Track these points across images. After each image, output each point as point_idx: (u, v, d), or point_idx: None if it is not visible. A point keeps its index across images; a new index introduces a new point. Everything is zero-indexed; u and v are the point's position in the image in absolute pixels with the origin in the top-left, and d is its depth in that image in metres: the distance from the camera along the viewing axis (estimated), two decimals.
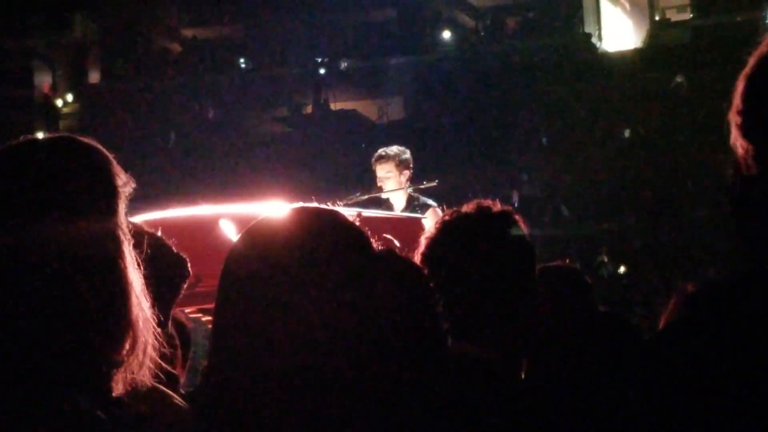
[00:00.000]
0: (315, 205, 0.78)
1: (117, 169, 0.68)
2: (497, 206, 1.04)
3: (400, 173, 3.11)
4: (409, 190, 3.14)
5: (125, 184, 0.68)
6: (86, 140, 0.69)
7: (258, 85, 12.46)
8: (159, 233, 1.09)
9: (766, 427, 0.60)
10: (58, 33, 12.98)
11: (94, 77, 13.59)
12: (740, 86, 0.64)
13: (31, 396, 0.61)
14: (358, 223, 0.74)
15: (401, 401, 0.71)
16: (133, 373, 0.66)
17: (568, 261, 1.51)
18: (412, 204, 3.12)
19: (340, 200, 2.50)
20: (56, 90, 13.27)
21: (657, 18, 12.27)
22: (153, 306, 0.69)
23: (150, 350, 0.67)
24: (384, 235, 0.86)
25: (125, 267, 0.66)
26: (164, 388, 0.79)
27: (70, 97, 13.29)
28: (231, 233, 1.85)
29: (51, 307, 0.62)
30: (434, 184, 3.14)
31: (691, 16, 11.84)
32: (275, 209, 0.77)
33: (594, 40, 12.16)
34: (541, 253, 1.09)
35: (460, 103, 10.96)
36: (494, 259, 1.01)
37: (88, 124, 11.43)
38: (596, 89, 10.64)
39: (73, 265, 0.63)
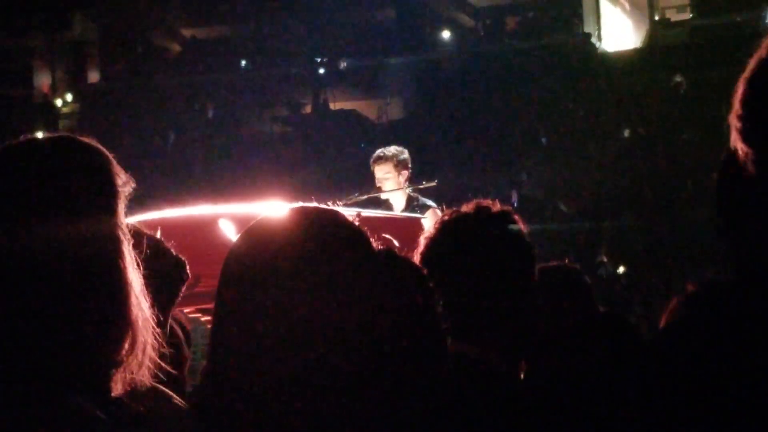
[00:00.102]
0: (315, 204, 0.78)
1: (117, 168, 0.68)
2: (497, 206, 1.04)
3: (399, 173, 3.12)
4: (409, 190, 3.14)
5: (125, 183, 0.68)
6: (86, 140, 0.69)
7: (257, 85, 12.45)
8: (158, 234, 1.09)
9: (766, 427, 0.60)
10: (58, 33, 12.97)
11: (93, 77, 13.58)
12: (740, 90, 0.64)
13: (31, 396, 0.61)
14: (357, 223, 0.74)
15: (401, 401, 0.71)
16: (132, 373, 0.66)
17: (567, 261, 1.51)
18: (411, 204, 3.12)
19: (339, 200, 2.50)
20: (55, 90, 13.26)
21: (656, 18, 12.28)
22: (152, 306, 0.69)
23: (149, 350, 0.67)
24: (383, 235, 0.86)
25: (125, 267, 0.66)
26: (164, 388, 0.79)
27: (69, 97, 13.28)
28: (230, 233, 1.85)
29: (50, 307, 0.62)
30: (433, 184, 3.14)
31: (691, 16, 11.85)
32: (274, 209, 0.77)
33: (594, 40, 12.16)
34: (540, 253, 1.09)
35: (459, 103, 10.96)
36: (494, 259, 1.01)
37: (87, 124, 11.42)
38: (596, 89, 10.63)
39: (73, 264, 0.63)
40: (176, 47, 13.91)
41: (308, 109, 12.75)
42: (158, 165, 10.15)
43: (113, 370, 0.65)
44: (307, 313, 0.68)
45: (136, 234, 0.71)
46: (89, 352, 0.63)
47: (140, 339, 0.66)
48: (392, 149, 3.16)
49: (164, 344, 0.71)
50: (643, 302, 6.73)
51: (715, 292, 0.69)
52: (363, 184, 3.37)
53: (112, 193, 0.67)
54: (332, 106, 12.55)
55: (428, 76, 11.69)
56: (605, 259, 7.94)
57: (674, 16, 12.30)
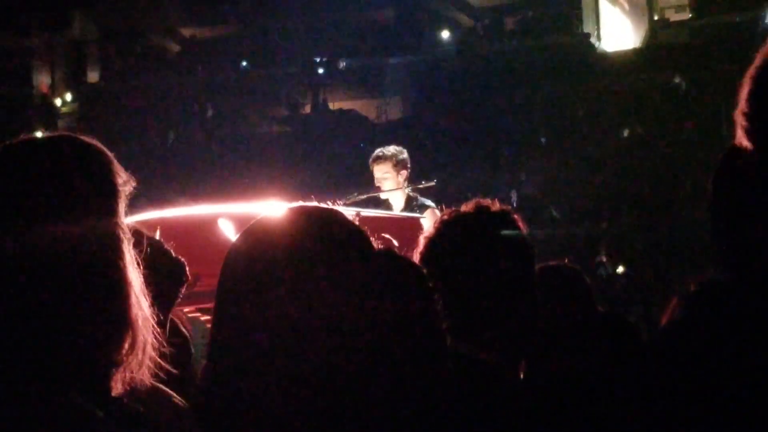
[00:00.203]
0: (315, 204, 0.78)
1: (117, 167, 0.68)
2: (496, 205, 1.04)
3: (398, 173, 3.12)
4: (408, 190, 3.14)
5: (125, 183, 0.68)
6: (86, 139, 0.69)
7: (256, 85, 12.45)
8: (158, 235, 1.09)
9: (766, 427, 0.60)
10: (57, 32, 12.95)
11: (92, 76, 13.56)
12: (746, 88, 0.63)
13: (30, 395, 0.61)
14: (357, 223, 0.74)
15: (401, 401, 0.71)
16: (132, 373, 0.66)
17: (567, 261, 1.50)
18: (410, 204, 3.12)
19: (339, 200, 2.50)
20: (55, 89, 13.24)
21: (656, 18, 12.27)
22: (152, 305, 0.68)
23: (149, 349, 0.67)
24: (383, 234, 0.86)
25: (125, 266, 0.66)
26: (164, 387, 0.79)
27: (68, 97, 13.26)
28: (229, 233, 1.85)
29: (50, 306, 0.62)
30: (433, 183, 3.14)
31: (690, 16, 11.84)
32: (273, 209, 0.77)
33: (593, 39, 12.16)
34: (539, 253, 1.09)
35: (458, 102, 10.96)
36: (493, 258, 1.01)
37: (86, 124, 11.40)
38: (595, 89, 10.63)
39: (72, 264, 0.63)
40: (175, 47, 13.90)
41: (307, 108, 12.75)
42: (157, 165, 10.14)
43: (113, 370, 0.65)
44: (307, 313, 0.68)
45: (136, 234, 0.70)
46: (89, 351, 0.63)
47: (140, 338, 0.66)
48: (391, 149, 3.16)
49: (165, 344, 0.70)
50: (643, 302, 6.73)
51: (715, 292, 0.69)
52: (362, 183, 3.37)
53: (112, 193, 0.67)
54: (331, 105, 12.55)
55: (427, 76, 11.69)
56: (604, 259, 7.94)
57: (673, 16, 12.30)
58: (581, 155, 9.76)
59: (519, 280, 1.02)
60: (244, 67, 12.99)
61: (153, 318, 0.68)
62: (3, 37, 12.26)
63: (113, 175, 0.67)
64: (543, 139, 10.38)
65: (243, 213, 1.95)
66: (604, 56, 11.86)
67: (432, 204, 3.10)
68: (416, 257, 1.02)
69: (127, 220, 0.69)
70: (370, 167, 3.17)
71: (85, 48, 13.45)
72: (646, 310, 6.26)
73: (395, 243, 1.44)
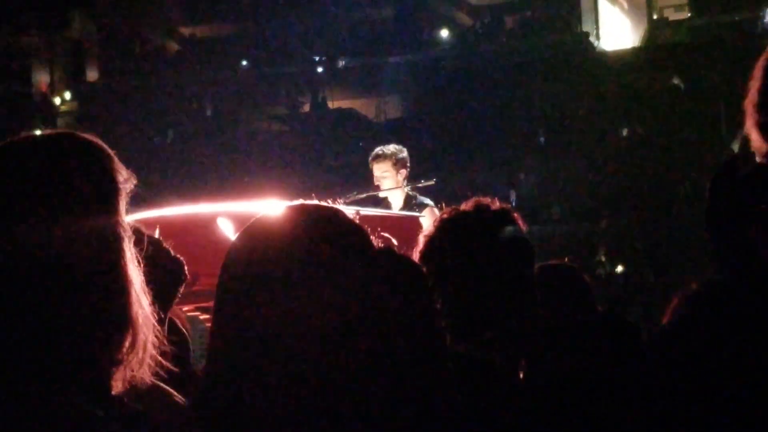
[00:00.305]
0: (315, 202, 0.78)
1: (118, 165, 0.68)
2: (496, 204, 1.04)
3: (397, 172, 3.12)
4: (407, 188, 3.14)
5: (126, 180, 0.68)
6: (87, 136, 0.68)
7: (256, 84, 12.43)
8: (157, 234, 1.09)
9: (765, 426, 0.60)
10: (56, 31, 12.93)
11: (92, 75, 13.54)
12: (757, 79, 0.63)
13: (31, 394, 0.61)
14: (357, 221, 0.74)
15: (400, 400, 0.71)
16: (132, 371, 0.66)
17: (567, 260, 1.50)
18: (409, 203, 3.12)
19: (338, 198, 2.49)
20: (54, 88, 13.21)
21: (655, 17, 12.27)
22: (153, 303, 0.68)
23: (150, 348, 0.67)
24: (382, 233, 0.85)
25: (125, 264, 0.65)
26: (165, 386, 0.79)
27: (67, 95, 13.24)
28: (229, 231, 1.85)
29: (50, 305, 0.62)
30: (432, 182, 3.14)
31: (689, 15, 11.84)
32: (273, 207, 0.77)
33: (592, 39, 12.15)
34: (538, 252, 1.09)
35: (457, 101, 10.95)
36: (493, 257, 1.00)
37: (85, 123, 11.38)
38: (594, 88, 10.62)
39: (73, 262, 0.63)
40: (175, 46, 13.88)
41: (307, 107, 12.73)
42: (157, 163, 10.12)
43: (114, 368, 0.65)
44: (307, 312, 0.68)
45: (137, 232, 0.70)
46: (89, 350, 0.63)
47: (141, 337, 0.66)
48: (391, 148, 3.16)
49: (165, 342, 0.70)
50: (641, 301, 6.73)
51: (715, 292, 0.69)
52: (361, 182, 3.37)
53: (113, 190, 0.67)
54: (330, 104, 12.54)
55: (426, 75, 11.68)
56: (603, 259, 7.94)
57: (672, 15, 12.30)
58: (580, 154, 9.75)
59: (518, 279, 1.02)
60: (244, 66, 12.97)
61: (153, 316, 0.68)
62: (2, 35, 12.23)
63: (114, 172, 0.67)
64: (542, 138, 10.38)
65: (242, 212, 1.94)
66: (603, 55, 11.86)
67: (431, 203, 3.10)
68: (416, 256, 1.01)
69: (127, 218, 0.69)
70: (370, 165, 3.17)
71: (84, 47, 13.43)
72: (644, 309, 6.26)
73: (394, 242, 1.44)
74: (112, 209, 0.66)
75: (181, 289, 1.07)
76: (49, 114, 12.53)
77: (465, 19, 13.05)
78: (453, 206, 1.05)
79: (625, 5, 12.65)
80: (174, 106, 12.33)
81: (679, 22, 11.92)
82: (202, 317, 1.90)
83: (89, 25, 13.36)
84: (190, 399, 0.83)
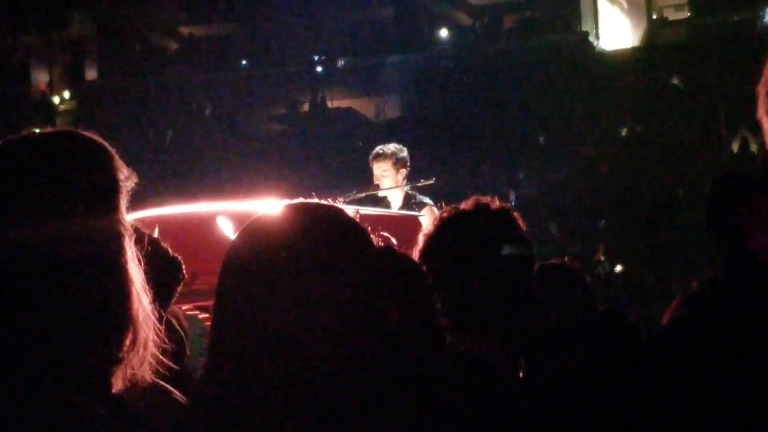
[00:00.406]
0: (315, 201, 0.78)
1: (119, 163, 0.68)
2: (496, 203, 1.04)
3: (397, 171, 3.12)
4: (406, 188, 3.14)
5: (127, 178, 0.68)
6: (88, 134, 0.68)
7: (255, 83, 12.42)
8: (156, 232, 1.09)
9: (766, 426, 0.60)
10: (56, 30, 12.90)
11: (90, 74, 13.51)
12: None
13: (31, 391, 0.61)
14: (357, 220, 0.74)
15: (399, 398, 0.71)
16: (133, 369, 0.66)
17: (567, 259, 1.51)
18: (408, 202, 3.12)
19: (338, 197, 2.50)
20: (53, 87, 13.19)
21: (654, 17, 12.27)
22: (153, 302, 0.68)
23: (151, 346, 0.67)
24: (381, 232, 0.86)
25: (126, 262, 0.65)
26: (165, 384, 0.79)
27: (67, 95, 13.22)
28: (228, 230, 1.85)
29: (51, 303, 0.62)
30: (431, 182, 3.14)
31: (689, 14, 11.85)
32: (272, 207, 0.77)
33: (591, 38, 12.15)
34: (538, 252, 1.08)
35: (457, 101, 10.95)
36: (492, 256, 1.00)
37: (84, 122, 11.36)
38: (593, 88, 10.63)
39: (74, 260, 0.63)
40: (174, 45, 13.86)
41: (306, 107, 12.73)
42: (156, 163, 10.11)
43: (114, 367, 0.65)
44: (307, 310, 0.68)
45: (136, 231, 0.70)
46: (90, 348, 0.63)
47: (141, 335, 0.66)
48: (392, 147, 3.16)
49: (165, 340, 0.70)
50: (641, 301, 6.74)
51: (715, 292, 0.69)
52: (360, 182, 3.36)
53: (113, 188, 0.66)
54: (330, 104, 12.52)
55: (426, 75, 11.67)
56: (602, 258, 7.95)
57: (672, 15, 12.30)
58: (579, 154, 9.75)
59: (518, 278, 1.02)
60: (243, 65, 12.96)
61: (154, 315, 0.68)
62: (1, 34, 12.21)
63: (115, 170, 0.67)
64: (541, 138, 10.38)
65: (241, 211, 1.94)
66: (603, 55, 11.86)
67: (430, 202, 3.10)
68: (416, 255, 1.01)
69: (127, 217, 0.69)
70: (370, 164, 3.17)
71: (83, 46, 13.40)
72: (643, 308, 6.27)
73: (394, 241, 1.44)
74: (113, 207, 0.66)
75: (179, 289, 1.07)
76: (48, 113, 12.51)
77: (464, 19, 13.05)
78: (453, 205, 1.05)
79: (625, 5, 12.66)
80: (173, 106, 12.31)
81: (678, 22, 11.93)
82: (201, 316, 1.90)
83: (88, 24, 13.34)
84: (189, 397, 0.83)
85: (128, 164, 0.70)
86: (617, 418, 0.99)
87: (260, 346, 0.68)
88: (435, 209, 2.91)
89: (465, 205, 1.04)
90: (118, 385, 0.65)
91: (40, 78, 13.15)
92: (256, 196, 2.23)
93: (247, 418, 0.67)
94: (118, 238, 0.65)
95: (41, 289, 0.62)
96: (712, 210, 0.68)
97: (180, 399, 0.87)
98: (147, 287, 0.68)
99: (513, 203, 7.89)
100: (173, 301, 1.07)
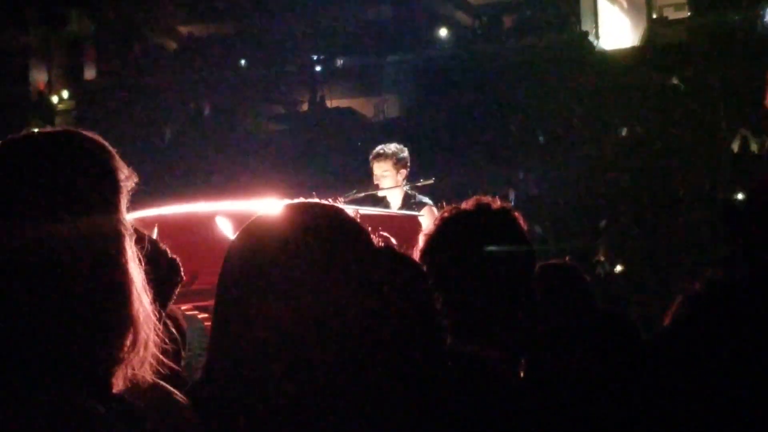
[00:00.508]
0: (315, 200, 0.78)
1: (119, 163, 0.68)
2: (497, 203, 1.04)
3: (398, 172, 3.12)
4: (406, 187, 3.14)
5: (127, 178, 0.68)
6: (88, 134, 0.68)
7: (254, 83, 12.41)
8: (155, 232, 1.08)
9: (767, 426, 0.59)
10: (54, 29, 12.89)
11: (89, 74, 13.49)
12: None
13: (31, 392, 0.60)
14: (358, 220, 0.74)
15: (399, 398, 0.71)
16: (133, 369, 0.66)
17: (567, 259, 1.50)
18: (408, 202, 3.12)
19: (338, 197, 2.50)
20: (52, 87, 13.17)
21: (654, 16, 12.27)
22: (154, 302, 0.68)
23: (151, 346, 0.66)
24: (381, 232, 0.85)
25: (126, 262, 0.65)
26: (165, 384, 0.79)
27: (65, 94, 13.20)
28: (227, 230, 1.84)
29: (51, 303, 0.62)
30: (431, 181, 3.14)
31: (689, 14, 11.84)
32: (271, 206, 0.76)
33: (591, 38, 12.14)
34: (538, 251, 1.08)
35: (456, 101, 10.95)
36: (493, 256, 1.00)
37: (83, 121, 11.36)
38: (594, 87, 10.62)
39: (74, 260, 0.63)
40: (173, 44, 13.85)
41: (305, 106, 12.72)
42: (155, 162, 10.10)
43: (115, 367, 0.64)
44: (307, 310, 0.68)
45: (136, 231, 0.70)
46: (91, 348, 0.63)
47: (142, 335, 0.65)
48: (392, 147, 3.16)
49: (166, 340, 0.69)
50: (641, 301, 6.74)
51: (719, 292, 0.69)
52: (360, 181, 3.36)
53: (114, 188, 0.66)
54: (329, 103, 12.52)
55: (425, 74, 11.67)
56: (602, 258, 7.95)
57: (672, 15, 12.29)
58: (579, 154, 9.76)
59: (519, 278, 1.02)
60: (242, 65, 12.95)
61: (154, 315, 0.67)
62: (0, 34, 12.19)
63: (115, 170, 0.67)
64: (541, 138, 10.38)
65: (240, 211, 1.94)
66: (603, 54, 11.85)
67: (430, 202, 3.10)
68: (416, 255, 1.01)
69: (127, 216, 0.69)
70: (370, 164, 3.17)
71: (82, 45, 13.38)
72: (643, 309, 6.27)
73: (393, 241, 1.44)
74: (113, 207, 0.66)
75: (177, 290, 1.07)
76: (46, 113, 12.49)
77: (464, 19, 13.05)
78: (454, 205, 1.05)
79: (625, 4, 12.65)
80: (172, 105, 12.30)
81: (678, 21, 11.90)
82: (200, 316, 1.90)
83: (87, 23, 13.32)
84: (190, 397, 0.83)
85: (127, 164, 0.70)
86: (618, 418, 0.99)
87: (260, 346, 0.68)
88: (435, 209, 2.91)
89: (466, 204, 1.04)
90: (118, 385, 0.65)
91: (39, 78, 13.13)
92: (255, 195, 2.23)
93: (247, 418, 0.67)
94: (118, 237, 0.65)
95: (41, 288, 0.62)
96: (750, 211, 0.68)
97: (181, 399, 0.86)
98: (147, 287, 0.67)
99: (513, 203, 7.88)
100: (172, 302, 1.07)
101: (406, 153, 3.17)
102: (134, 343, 0.65)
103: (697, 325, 0.67)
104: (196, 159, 11.00)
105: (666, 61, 10.60)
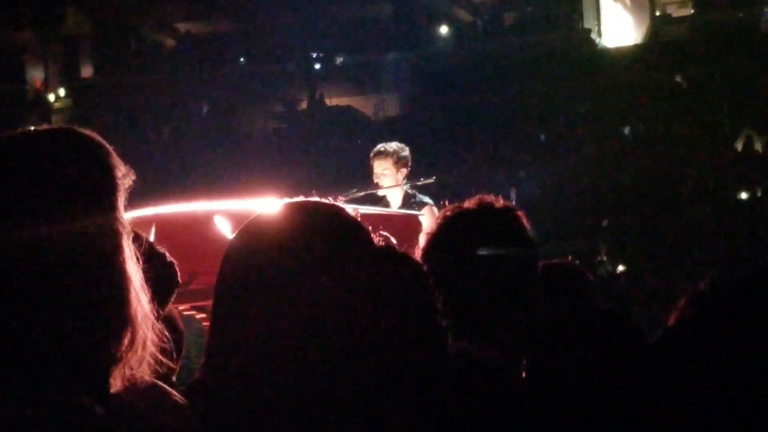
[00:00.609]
0: (316, 199, 0.77)
1: (116, 161, 0.67)
2: (500, 202, 1.03)
3: (398, 170, 3.11)
4: (406, 187, 3.13)
5: (124, 176, 0.67)
6: (85, 131, 0.67)
7: (253, 81, 12.39)
8: (152, 234, 1.07)
9: None
10: (50, 27, 12.85)
11: (86, 72, 13.46)
12: None
13: (29, 392, 0.60)
14: (359, 219, 0.72)
15: (399, 398, 0.70)
16: (132, 369, 0.65)
17: (570, 258, 1.49)
18: (408, 201, 3.11)
19: (338, 196, 2.48)
20: (48, 85, 13.14)
21: (658, 13, 12.21)
22: (152, 301, 0.67)
23: (149, 345, 0.66)
24: (381, 232, 0.84)
25: (124, 261, 0.64)
26: (164, 385, 0.78)
27: (62, 92, 13.16)
28: (225, 230, 1.83)
29: (48, 302, 0.61)
30: (431, 180, 3.13)
31: (692, 11, 11.80)
32: (270, 205, 0.75)
33: (594, 35, 12.09)
34: (539, 251, 1.07)
35: (457, 99, 10.93)
36: (496, 255, 0.99)
37: (80, 120, 11.33)
38: (596, 85, 10.58)
39: (71, 259, 0.62)
40: (170, 42, 13.82)
41: (304, 105, 12.70)
42: (153, 161, 10.09)
43: (113, 366, 0.64)
44: (306, 309, 0.67)
45: (133, 231, 0.69)
46: (88, 347, 0.62)
47: (140, 334, 0.65)
48: (393, 145, 3.15)
49: (165, 339, 0.68)
50: (643, 301, 6.73)
51: (724, 292, 0.68)
52: (359, 180, 3.35)
53: (111, 186, 0.66)
54: (328, 102, 12.50)
55: (425, 72, 11.65)
56: (605, 258, 7.94)
57: (675, 12, 12.24)
58: (581, 152, 9.74)
59: (522, 278, 1.01)
60: (241, 63, 12.92)
61: (153, 314, 0.67)
62: None
63: (112, 168, 0.66)
64: (542, 137, 10.37)
65: (239, 210, 1.93)
66: (605, 52, 11.80)
67: (430, 201, 3.09)
68: (417, 254, 1.00)
69: (125, 215, 0.67)
70: (371, 162, 3.16)
71: (78, 43, 13.35)
72: (646, 309, 6.27)
73: (393, 240, 1.43)
74: (111, 205, 0.65)
75: (174, 296, 1.05)
76: (43, 111, 12.46)
77: (464, 16, 13.01)
78: (456, 204, 1.04)
79: (628, 1, 12.59)
80: (170, 103, 12.27)
81: (682, 19, 11.84)
82: (198, 316, 1.89)
83: (84, 20, 13.28)
84: (188, 398, 0.82)
85: (124, 162, 0.69)
86: (620, 418, 0.98)
87: (259, 346, 0.67)
88: (435, 209, 2.90)
89: (469, 203, 1.03)
90: (116, 385, 0.64)
91: (35, 75, 13.09)
92: (254, 194, 2.22)
93: (246, 418, 0.66)
94: (116, 236, 0.64)
95: (38, 287, 0.61)
96: None
97: (179, 400, 0.85)
98: (145, 286, 0.67)
99: (514, 202, 7.80)
100: (167, 306, 1.05)
101: (407, 152, 3.16)
102: (132, 342, 0.64)
103: (703, 326, 0.66)
104: (194, 158, 10.98)
105: (669, 59, 10.57)
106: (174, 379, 1.18)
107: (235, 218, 1.81)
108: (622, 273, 7.81)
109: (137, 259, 0.66)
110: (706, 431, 0.61)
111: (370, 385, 0.67)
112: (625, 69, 10.76)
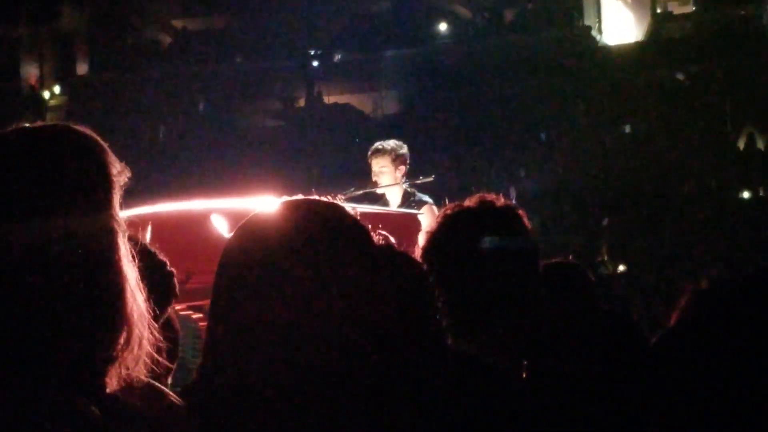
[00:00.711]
0: (314, 198, 0.75)
1: (112, 158, 0.66)
2: (501, 200, 1.01)
3: (396, 168, 3.09)
4: (405, 185, 3.11)
5: (120, 173, 0.66)
6: (80, 129, 0.67)
7: (250, 78, 12.35)
8: (148, 235, 1.05)
9: None
10: (46, 24, 12.78)
11: (82, 68, 13.39)
12: None
13: (25, 392, 0.59)
14: (358, 218, 0.71)
15: (399, 398, 0.69)
16: (128, 369, 0.64)
17: (570, 257, 1.48)
18: (407, 200, 3.10)
19: (338, 194, 2.47)
20: (43, 82, 13.07)
21: (658, 11, 12.19)
22: (148, 299, 0.66)
23: (146, 345, 0.65)
24: (380, 231, 0.83)
25: (119, 259, 0.64)
26: (160, 385, 0.77)
27: (57, 89, 13.09)
28: (223, 229, 1.82)
29: (44, 301, 0.60)
30: (431, 179, 3.12)
31: (694, 9, 11.79)
32: (267, 204, 0.74)
33: (594, 33, 12.08)
34: (539, 250, 1.06)
35: (456, 96, 10.91)
36: (496, 255, 0.98)
37: (75, 117, 11.26)
38: (596, 83, 10.57)
39: (66, 257, 0.61)
40: (167, 39, 13.76)
41: (302, 102, 12.68)
42: (148, 159, 10.05)
43: (108, 366, 0.63)
44: (305, 309, 0.66)
45: (132, 226, 0.67)
46: (84, 347, 0.61)
47: (136, 333, 0.64)
48: (391, 143, 3.13)
49: (161, 339, 0.67)
50: (644, 301, 6.73)
51: (726, 291, 0.67)
52: (357, 178, 3.33)
53: (106, 184, 0.65)
54: (326, 99, 12.48)
55: (424, 70, 11.62)
56: (605, 258, 7.94)
57: (676, 9, 12.22)
58: (582, 151, 9.72)
59: (523, 277, 1.00)
60: (238, 60, 12.87)
61: (149, 312, 0.66)
62: None
63: (107, 165, 0.65)
64: (542, 135, 10.35)
65: (236, 209, 1.91)
66: (606, 50, 11.76)
67: (430, 200, 3.08)
68: (417, 253, 0.99)
69: (120, 213, 0.66)
70: (369, 160, 3.14)
71: (74, 40, 13.28)
72: (646, 308, 6.27)
73: (392, 239, 1.42)
74: (106, 203, 0.64)
75: (172, 304, 1.04)
76: (38, 108, 12.39)
77: (464, 13, 12.98)
78: (456, 202, 1.02)
79: None
80: (166, 101, 12.22)
81: (683, 16, 11.81)
82: (194, 316, 1.87)
83: (79, 17, 13.21)
84: (185, 398, 0.81)
85: (120, 161, 0.68)
86: (621, 418, 0.97)
87: (258, 346, 0.66)
88: (435, 208, 2.88)
89: (469, 201, 1.02)
90: (112, 384, 0.64)
91: (30, 72, 13.02)
92: (251, 193, 2.20)
93: (244, 419, 0.65)
94: (111, 234, 0.63)
95: (32, 286, 0.60)
96: None
97: (175, 400, 0.84)
98: (141, 285, 0.66)
99: (514, 200, 7.78)
100: (166, 314, 1.04)
101: (405, 149, 3.14)
102: (128, 341, 0.63)
103: (704, 326, 0.65)
104: (190, 156, 10.94)
105: (670, 56, 10.54)
106: (170, 380, 1.17)
107: (232, 217, 1.80)
108: (622, 273, 7.79)
109: (133, 257, 0.65)
110: (706, 431, 0.61)
111: (370, 384, 0.66)
112: (625, 66, 10.73)
